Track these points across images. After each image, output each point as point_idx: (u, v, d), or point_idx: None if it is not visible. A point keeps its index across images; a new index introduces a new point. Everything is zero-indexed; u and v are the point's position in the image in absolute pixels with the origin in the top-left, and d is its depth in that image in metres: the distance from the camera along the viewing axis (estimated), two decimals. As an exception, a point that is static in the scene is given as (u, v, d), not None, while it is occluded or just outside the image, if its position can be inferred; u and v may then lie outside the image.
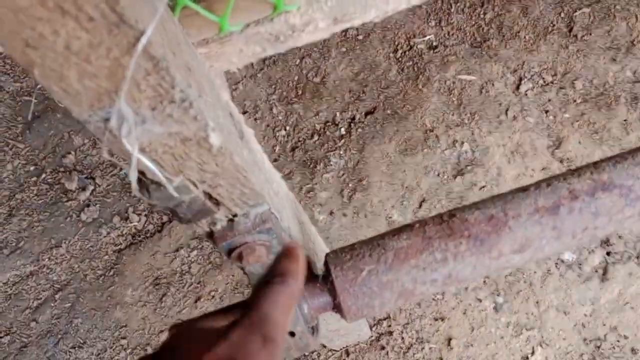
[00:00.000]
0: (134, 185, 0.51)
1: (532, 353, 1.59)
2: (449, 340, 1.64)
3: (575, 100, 1.98)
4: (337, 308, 0.78)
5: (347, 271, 0.75)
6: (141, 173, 0.57)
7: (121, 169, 2.03)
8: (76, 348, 1.85)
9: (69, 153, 2.23)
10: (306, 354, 1.70)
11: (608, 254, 1.67)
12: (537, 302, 1.65)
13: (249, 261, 0.70)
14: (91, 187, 2.14)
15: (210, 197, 0.63)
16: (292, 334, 0.73)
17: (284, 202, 0.80)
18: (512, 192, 0.78)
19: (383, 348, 1.67)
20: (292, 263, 0.58)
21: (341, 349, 1.70)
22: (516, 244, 0.75)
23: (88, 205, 2.11)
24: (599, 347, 1.58)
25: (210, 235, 0.69)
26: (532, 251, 0.76)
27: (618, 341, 1.57)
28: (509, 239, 0.74)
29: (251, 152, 0.67)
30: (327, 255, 0.78)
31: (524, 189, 0.77)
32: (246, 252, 0.69)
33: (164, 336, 1.80)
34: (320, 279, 0.79)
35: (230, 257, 0.71)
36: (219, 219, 0.68)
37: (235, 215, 0.68)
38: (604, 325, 1.60)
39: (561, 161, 1.87)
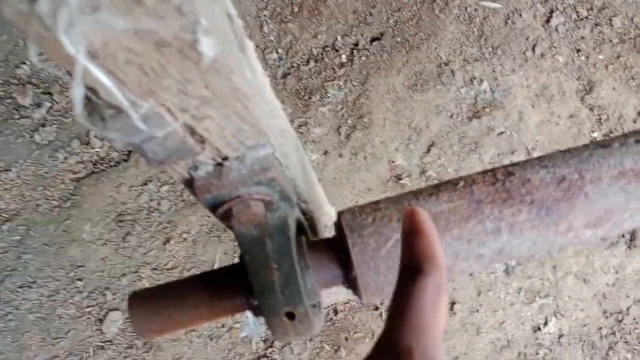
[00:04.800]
0: (78, 107, 0.35)
1: (545, 323, 1.49)
2: (452, 304, 1.53)
3: (611, 40, 1.82)
4: (350, 283, 0.64)
5: (369, 238, 0.60)
6: (92, 91, 0.40)
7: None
8: (24, 287, 1.71)
9: (24, 63, 2.02)
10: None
11: (638, 218, 1.55)
12: (554, 267, 1.54)
13: (241, 220, 0.55)
14: (48, 105, 1.95)
15: (193, 131, 0.47)
16: (291, 315, 0.59)
17: (289, 144, 0.64)
18: (588, 147, 0.63)
19: (377, 308, 1.56)
20: (423, 239, 0.41)
21: (329, 307, 1.58)
22: (592, 216, 0.60)
23: (43, 125, 1.92)
24: (620, 322, 1.48)
25: (190, 182, 0.54)
26: (609, 226, 0.62)
27: (642, 317, 1.48)
28: (583, 209, 0.60)
29: (254, 74, 0.51)
30: (341, 214, 0.63)
31: (605, 145, 0.63)
32: (238, 209, 0.54)
33: (125, 280, 1.67)
34: (329, 245, 0.65)
35: (215, 214, 0.56)
36: (203, 162, 0.52)
37: (225, 159, 0.52)
38: (628, 297, 1.50)
39: (591, 109, 1.73)
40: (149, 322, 0.62)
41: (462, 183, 0.63)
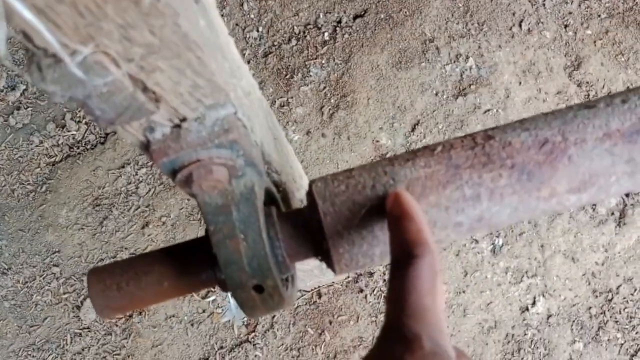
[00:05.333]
0: (1, 47, 0.31)
1: (533, 304, 1.47)
2: (438, 286, 1.50)
3: (599, 15, 1.80)
4: (323, 255, 0.61)
5: (341, 207, 0.57)
6: (27, 39, 0.37)
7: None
8: (-1, 274, 1.67)
9: (-4, 44, 1.97)
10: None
11: (627, 195, 1.54)
12: (541, 246, 1.52)
13: (202, 187, 0.52)
14: (22, 87, 1.91)
15: (145, 88, 0.44)
16: (259, 289, 0.56)
17: (255, 108, 0.61)
18: (572, 108, 0.60)
19: (361, 291, 1.53)
20: (411, 224, 0.43)
21: (312, 290, 1.56)
22: (576, 180, 0.58)
23: (18, 108, 1.88)
24: (610, 301, 1.46)
25: (146, 146, 0.50)
26: (594, 191, 0.59)
27: (632, 294, 1.46)
28: (567, 173, 0.57)
29: (211, 26, 0.47)
30: (312, 183, 0.60)
31: (590, 105, 0.60)
32: (198, 174, 0.51)
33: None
34: (300, 215, 0.62)
35: (175, 180, 0.53)
36: (159, 123, 0.49)
37: (184, 120, 0.49)
38: (618, 275, 1.48)
39: (579, 85, 1.70)
40: (108, 299, 0.59)
41: (439, 148, 0.60)
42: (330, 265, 0.60)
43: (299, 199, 0.88)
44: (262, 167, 0.59)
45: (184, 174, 0.51)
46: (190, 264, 0.60)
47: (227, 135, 0.49)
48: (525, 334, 1.46)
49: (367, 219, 0.57)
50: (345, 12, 1.87)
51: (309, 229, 0.60)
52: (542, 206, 0.59)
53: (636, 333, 1.44)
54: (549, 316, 1.47)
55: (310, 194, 0.60)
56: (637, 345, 1.43)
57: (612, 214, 1.53)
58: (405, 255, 0.41)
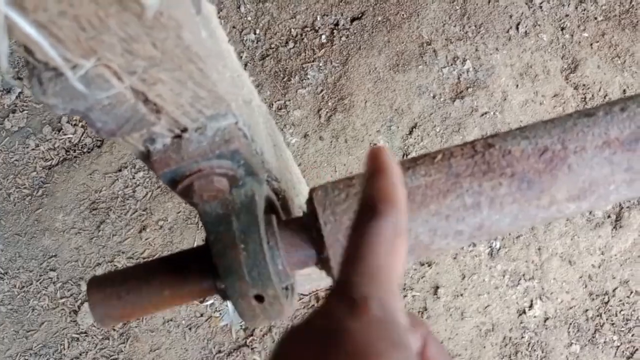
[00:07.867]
0: (3, 62, 0.31)
1: (530, 306, 1.48)
2: (436, 288, 1.51)
3: (596, 18, 1.80)
4: (323, 264, 0.61)
5: (342, 216, 0.57)
6: (28, 52, 0.37)
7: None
8: (-4, 279, 1.67)
9: (-8, 47, 1.97)
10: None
11: (624, 198, 1.54)
12: (538, 249, 1.52)
13: (204, 197, 0.52)
14: (18, 90, 1.90)
15: (146, 99, 0.44)
16: (259, 298, 0.56)
17: (255, 116, 0.61)
18: (571, 116, 0.61)
19: (359, 295, 1.53)
20: (382, 179, 0.38)
21: (311, 293, 1.56)
22: (576, 188, 0.58)
23: (14, 111, 1.87)
24: (606, 303, 1.47)
25: (147, 157, 0.50)
26: (593, 199, 0.59)
27: (628, 297, 1.47)
28: (567, 181, 0.57)
29: (212, 36, 0.47)
30: (312, 191, 0.60)
31: (589, 114, 0.60)
32: (199, 185, 0.51)
33: (100, 270, 1.63)
34: (300, 224, 0.62)
35: (176, 190, 0.53)
36: (160, 134, 0.49)
37: (184, 130, 0.49)
38: (614, 278, 1.49)
39: (576, 87, 1.71)
40: (109, 308, 0.58)
41: (439, 156, 0.60)
42: (330, 274, 0.60)
43: (298, 205, 0.88)
44: (262, 176, 0.59)
45: (185, 184, 0.51)
46: (191, 273, 0.59)
47: (228, 145, 0.49)
48: (522, 337, 1.46)
49: (367, 227, 0.57)
50: (342, 15, 1.87)
51: (310, 237, 0.60)
52: (542, 214, 0.59)
53: (632, 335, 1.44)
54: (546, 319, 1.47)
55: (310, 202, 0.60)
56: (634, 347, 1.44)
57: (609, 216, 1.53)
58: (369, 211, 0.37)
